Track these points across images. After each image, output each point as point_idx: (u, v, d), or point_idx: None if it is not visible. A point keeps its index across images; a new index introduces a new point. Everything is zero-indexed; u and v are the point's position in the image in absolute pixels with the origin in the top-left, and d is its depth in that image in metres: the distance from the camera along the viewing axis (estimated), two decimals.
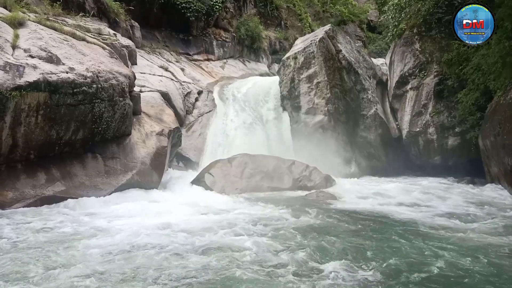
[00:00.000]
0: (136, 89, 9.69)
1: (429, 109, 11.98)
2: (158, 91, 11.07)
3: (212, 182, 9.25)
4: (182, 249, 4.97)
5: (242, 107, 13.03)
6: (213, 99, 13.22)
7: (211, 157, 11.10)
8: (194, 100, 12.75)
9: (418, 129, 12.14)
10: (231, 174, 9.53)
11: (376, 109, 12.58)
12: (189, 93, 12.72)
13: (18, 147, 7.09)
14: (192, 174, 10.09)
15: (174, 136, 10.10)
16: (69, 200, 7.25)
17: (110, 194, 7.84)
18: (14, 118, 6.83)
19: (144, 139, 9.10)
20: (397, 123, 12.86)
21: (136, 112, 9.29)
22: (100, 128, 8.08)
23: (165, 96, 11.16)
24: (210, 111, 12.73)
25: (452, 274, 4.31)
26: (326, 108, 12.01)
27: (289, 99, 12.62)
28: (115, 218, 6.47)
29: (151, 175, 8.73)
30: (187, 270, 4.30)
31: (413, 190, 9.38)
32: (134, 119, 9.18)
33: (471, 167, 10.83)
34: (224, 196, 8.55)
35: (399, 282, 4.09)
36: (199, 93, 13.18)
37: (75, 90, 7.44)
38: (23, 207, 6.82)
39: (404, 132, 12.50)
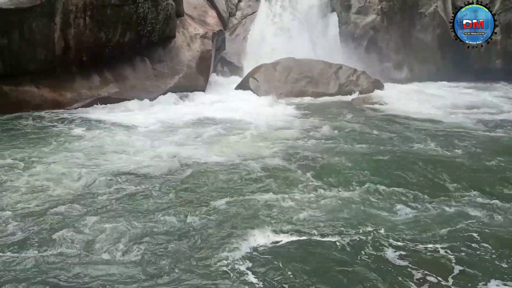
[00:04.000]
0: None
1: (496, 6, 10.70)
2: None
3: (256, 87, 9.23)
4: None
5: (287, 8, 12.26)
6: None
7: (255, 61, 10.88)
8: (237, 1, 12.16)
9: None
10: (275, 79, 9.42)
11: (436, 6, 11.40)
12: None
13: (71, 49, 7.35)
14: (237, 80, 10.09)
15: (218, 39, 9.92)
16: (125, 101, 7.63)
17: (158, 96, 8.13)
18: (63, 19, 7.01)
19: (189, 42, 9.04)
20: None
21: (179, 13, 9.09)
22: (145, 30, 8.08)
23: None
24: (254, 12, 12.15)
25: None
26: (379, 7, 11.06)
27: None
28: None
29: (197, 79, 8.84)
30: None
31: (468, 95, 8.87)
32: (178, 22, 9.02)
33: None
34: (268, 100, 8.57)
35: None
36: None
37: None
38: (81, 107, 7.29)
39: None
